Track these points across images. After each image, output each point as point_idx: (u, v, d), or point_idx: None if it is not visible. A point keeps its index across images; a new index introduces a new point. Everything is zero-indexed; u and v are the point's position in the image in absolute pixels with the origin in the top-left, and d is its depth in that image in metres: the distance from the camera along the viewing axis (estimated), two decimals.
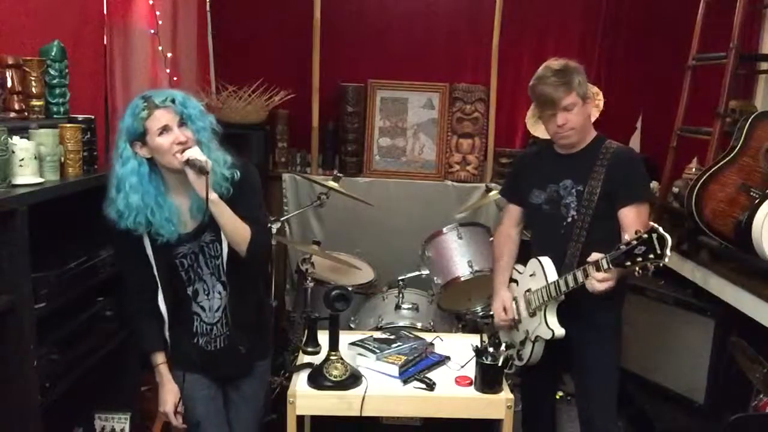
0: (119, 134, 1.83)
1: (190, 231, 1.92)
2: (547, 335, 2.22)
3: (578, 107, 2.21)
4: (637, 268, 1.92)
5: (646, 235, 1.88)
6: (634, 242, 1.90)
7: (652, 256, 1.87)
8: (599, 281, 2.02)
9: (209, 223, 1.89)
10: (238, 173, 1.91)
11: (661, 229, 1.86)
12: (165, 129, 1.79)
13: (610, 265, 1.98)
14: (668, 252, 1.85)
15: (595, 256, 2.03)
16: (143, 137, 1.80)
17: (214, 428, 2.08)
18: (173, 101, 1.81)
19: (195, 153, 1.79)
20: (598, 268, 2.01)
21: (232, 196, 1.89)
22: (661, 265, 1.88)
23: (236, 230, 1.88)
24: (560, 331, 2.20)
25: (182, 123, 1.81)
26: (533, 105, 4.09)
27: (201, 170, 1.78)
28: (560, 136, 2.25)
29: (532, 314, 2.29)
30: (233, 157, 1.93)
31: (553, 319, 2.22)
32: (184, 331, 2.02)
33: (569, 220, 2.26)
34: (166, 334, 2.01)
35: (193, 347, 2.03)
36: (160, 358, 2.03)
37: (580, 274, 2.09)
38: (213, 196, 1.82)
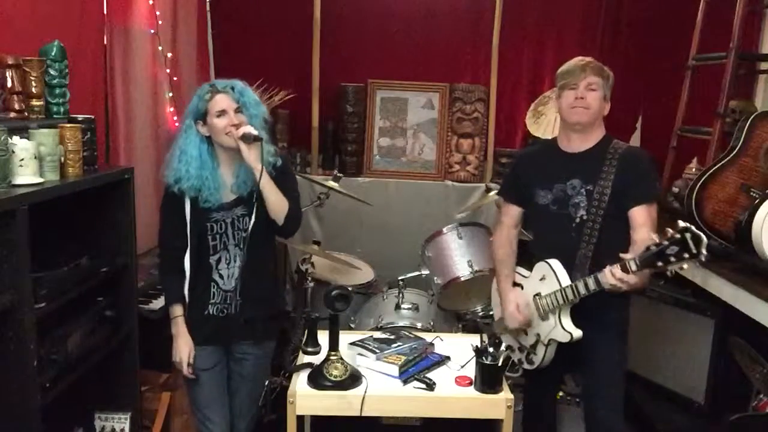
0: (187, 112, 2.14)
1: (228, 202, 2.17)
2: (565, 338, 2.20)
3: (598, 94, 2.23)
4: (670, 269, 1.89)
5: (678, 235, 1.84)
6: (666, 242, 1.86)
7: (687, 255, 1.84)
8: (618, 280, 2.00)
9: (245, 199, 2.16)
10: (281, 160, 2.19)
11: (694, 228, 1.83)
12: (222, 112, 2.07)
13: (639, 267, 1.95)
14: (704, 250, 1.82)
15: (624, 257, 1.99)
16: (205, 117, 2.09)
17: (214, 403, 2.24)
18: (233, 89, 2.09)
19: (249, 128, 2.06)
20: (625, 269, 1.98)
21: (275, 178, 2.14)
22: (698, 264, 1.87)
23: (278, 201, 2.13)
24: (578, 333, 2.18)
25: (238, 109, 2.08)
26: (533, 105, 4.20)
27: (255, 138, 2.04)
28: (574, 111, 2.23)
29: (544, 318, 2.27)
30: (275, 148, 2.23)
31: (568, 322, 2.20)
32: (199, 301, 2.20)
33: (578, 220, 2.23)
34: (186, 290, 2.20)
35: (205, 318, 2.20)
36: (178, 310, 2.22)
37: (602, 277, 2.05)
38: (261, 167, 2.06)
